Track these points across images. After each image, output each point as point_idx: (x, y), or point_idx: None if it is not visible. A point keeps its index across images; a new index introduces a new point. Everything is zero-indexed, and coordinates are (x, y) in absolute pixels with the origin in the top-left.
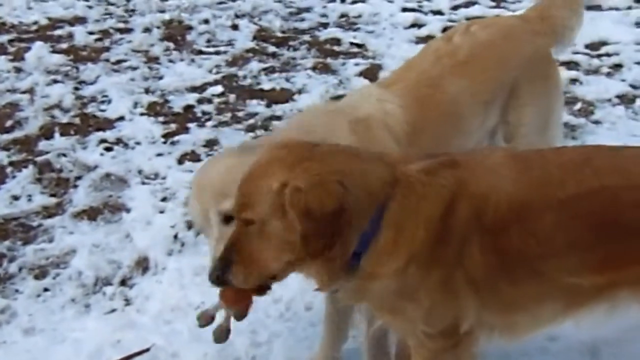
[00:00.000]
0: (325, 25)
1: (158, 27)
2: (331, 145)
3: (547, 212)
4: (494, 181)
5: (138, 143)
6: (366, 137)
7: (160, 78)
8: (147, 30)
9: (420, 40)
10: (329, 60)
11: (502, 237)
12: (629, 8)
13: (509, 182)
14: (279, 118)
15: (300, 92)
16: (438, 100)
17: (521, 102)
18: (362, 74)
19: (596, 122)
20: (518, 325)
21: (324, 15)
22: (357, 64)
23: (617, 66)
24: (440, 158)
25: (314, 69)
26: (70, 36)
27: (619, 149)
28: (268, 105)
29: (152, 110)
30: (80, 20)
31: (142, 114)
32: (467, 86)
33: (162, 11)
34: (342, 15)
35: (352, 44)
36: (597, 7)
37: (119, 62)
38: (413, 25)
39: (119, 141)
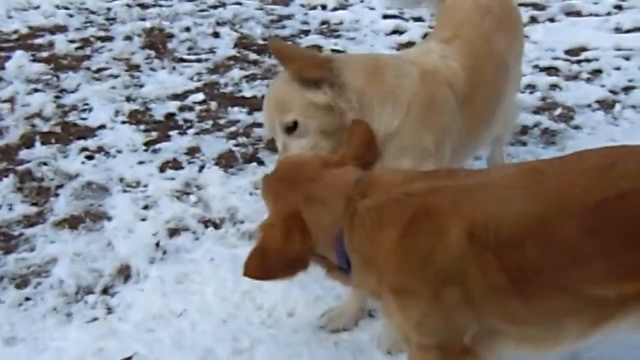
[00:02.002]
0: (306, 33)
1: (139, 35)
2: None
3: (570, 221)
4: (494, 200)
5: (119, 151)
6: (432, 89)
7: (142, 86)
8: (128, 38)
9: (401, 46)
10: None
11: (511, 255)
12: (608, 14)
13: (517, 198)
14: (260, 125)
15: None
16: (493, 54)
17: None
18: None
19: (576, 127)
20: (538, 339)
21: (305, 23)
22: None
23: (597, 72)
24: (419, 184)
25: None
26: (51, 45)
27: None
28: (249, 113)
29: (134, 118)
30: (61, 29)
31: (123, 122)
32: (506, 40)
33: (143, 19)
34: (323, 23)
35: (333, 50)
36: (577, 14)
37: (100, 70)
38: (394, 32)
39: (100, 149)
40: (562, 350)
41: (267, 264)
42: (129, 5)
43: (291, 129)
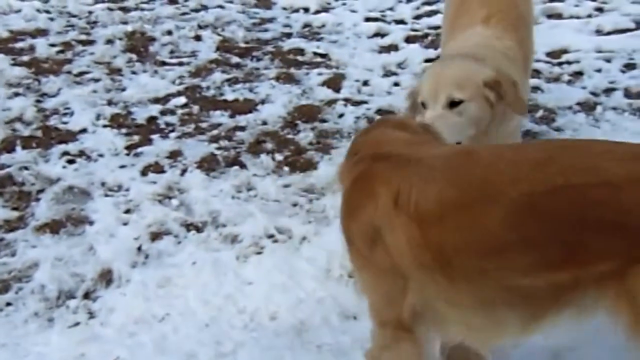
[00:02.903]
0: (288, 36)
1: (120, 39)
2: None
3: (490, 209)
4: (421, 176)
5: (101, 155)
6: (512, 67)
7: (123, 90)
8: (109, 42)
9: (383, 49)
10: (292, 70)
11: (431, 230)
12: (589, 16)
13: (442, 177)
14: (242, 129)
15: (263, 102)
16: (522, 17)
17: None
18: (325, 83)
19: (558, 129)
20: (478, 328)
21: (287, 26)
22: (320, 74)
23: (578, 74)
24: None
25: (277, 79)
26: (32, 49)
27: (586, 145)
28: (232, 116)
29: (115, 122)
30: (42, 33)
31: (104, 126)
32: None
33: (125, 23)
34: (306, 26)
35: (315, 53)
36: (558, 16)
37: (81, 74)
38: (376, 35)
39: (81, 153)
40: (509, 343)
41: None
42: (110, 9)
43: (454, 104)
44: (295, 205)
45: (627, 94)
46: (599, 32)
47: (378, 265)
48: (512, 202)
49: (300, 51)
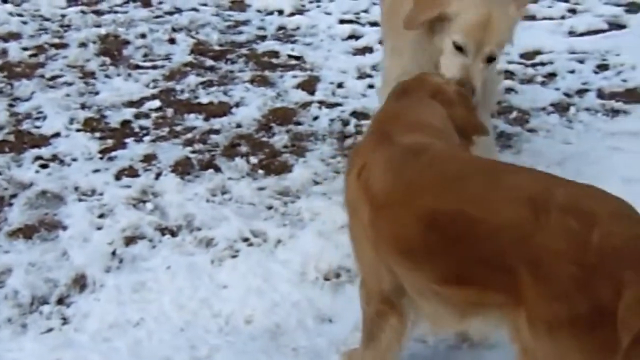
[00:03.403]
0: (263, 38)
1: (94, 42)
2: None
3: (407, 213)
4: (383, 162)
5: (74, 159)
6: None
7: (97, 93)
8: (82, 45)
9: (358, 51)
10: (266, 72)
11: (376, 213)
12: (563, 18)
13: (393, 170)
14: (217, 132)
15: (238, 105)
16: None
17: None
18: (299, 86)
19: (531, 131)
20: (425, 313)
21: (261, 28)
22: (295, 76)
23: (551, 75)
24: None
25: (251, 81)
26: (4, 52)
27: (503, 177)
28: (206, 119)
29: (89, 126)
30: (15, 36)
31: (78, 130)
32: None
33: (98, 26)
34: (280, 28)
35: (290, 56)
36: (532, 17)
37: (54, 77)
38: (350, 37)
39: (54, 158)
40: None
41: None
42: (83, 12)
43: (490, 60)
44: (270, 208)
45: (600, 94)
46: (572, 33)
47: (360, 236)
48: (422, 212)
49: (275, 54)
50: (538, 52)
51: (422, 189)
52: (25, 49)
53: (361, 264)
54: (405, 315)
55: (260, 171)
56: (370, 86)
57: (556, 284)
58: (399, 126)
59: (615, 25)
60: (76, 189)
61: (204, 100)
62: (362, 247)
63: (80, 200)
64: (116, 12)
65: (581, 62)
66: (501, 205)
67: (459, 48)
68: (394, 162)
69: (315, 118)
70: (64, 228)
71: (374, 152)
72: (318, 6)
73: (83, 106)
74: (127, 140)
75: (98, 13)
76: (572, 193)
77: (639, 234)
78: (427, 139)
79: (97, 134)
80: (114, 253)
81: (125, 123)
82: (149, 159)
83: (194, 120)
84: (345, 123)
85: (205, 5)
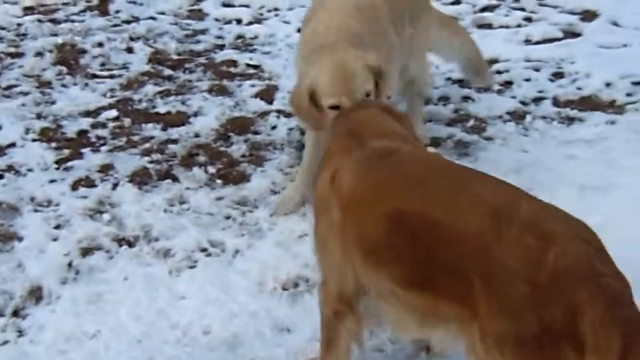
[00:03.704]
0: (221, 47)
1: (50, 51)
2: None
3: (373, 213)
4: (354, 165)
5: (30, 170)
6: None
7: (53, 103)
8: (39, 54)
9: None
10: (225, 82)
11: (345, 219)
12: (519, 26)
13: (361, 172)
14: (175, 142)
15: (196, 114)
16: None
17: None
18: (258, 95)
19: (488, 139)
20: (388, 319)
21: (219, 37)
22: (253, 85)
23: (508, 83)
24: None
25: (210, 91)
26: None
27: (470, 179)
28: (164, 129)
29: (45, 136)
30: None
31: (34, 140)
32: None
33: (55, 35)
34: (239, 37)
35: (248, 65)
36: (488, 26)
37: (9, 87)
38: None
39: (10, 168)
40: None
41: None
42: (40, 21)
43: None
44: (228, 218)
45: (556, 102)
46: (528, 41)
47: (328, 236)
48: (387, 213)
49: (233, 63)
50: (495, 61)
51: (388, 190)
52: None
53: (325, 265)
54: (362, 318)
55: (219, 181)
56: None
57: (508, 301)
58: (369, 131)
59: (570, 34)
60: (32, 199)
61: (162, 109)
62: (329, 247)
63: (36, 211)
64: (73, 21)
65: (537, 70)
66: (465, 211)
67: (336, 107)
68: (364, 165)
69: (274, 127)
70: (20, 239)
71: (346, 155)
72: (276, 15)
73: (39, 116)
74: (84, 150)
75: (55, 22)
76: (535, 211)
77: (594, 255)
78: (396, 143)
79: (54, 144)
80: (70, 264)
81: (82, 133)
82: (105, 169)
83: (152, 130)
84: (303, 132)
85: (163, 14)
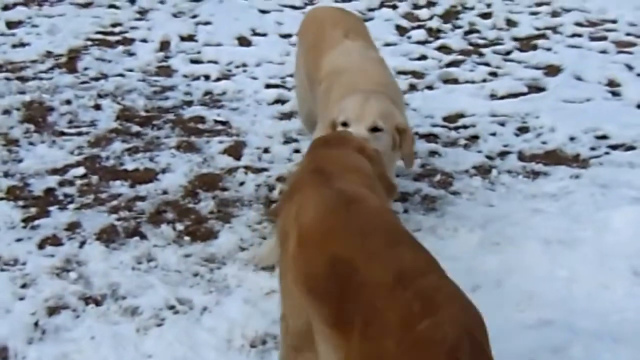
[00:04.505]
0: (189, 104)
1: (18, 109)
2: None
3: (319, 254)
4: (314, 204)
5: None
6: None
7: (20, 161)
8: (6, 112)
9: (284, 116)
10: (193, 138)
11: (298, 255)
12: (484, 81)
13: (317, 212)
14: (142, 199)
15: (164, 171)
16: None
17: None
18: (226, 151)
19: (455, 193)
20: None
21: (188, 94)
22: (221, 142)
23: (474, 138)
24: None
25: (178, 147)
26: None
27: (402, 241)
28: (132, 186)
29: (12, 194)
30: None
31: (1, 199)
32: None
33: (22, 92)
34: (207, 93)
35: (216, 121)
36: (454, 81)
37: None
38: (277, 102)
39: None
40: None
41: None
42: (8, 79)
43: (375, 130)
44: (196, 275)
45: (521, 157)
46: (493, 96)
47: (285, 270)
48: (327, 256)
49: (201, 119)
50: (461, 115)
51: (337, 236)
52: None
53: (283, 298)
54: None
55: (186, 238)
56: (297, 151)
57: (373, 349)
58: (337, 168)
59: (535, 88)
60: None
61: (130, 166)
62: (286, 281)
63: (2, 270)
64: (41, 78)
65: (502, 124)
66: (380, 266)
67: (345, 124)
68: (327, 206)
69: (242, 183)
70: None
71: (313, 191)
72: (244, 71)
73: (6, 174)
74: (51, 208)
75: (22, 79)
76: (435, 285)
77: (464, 344)
78: (364, 190)
79: (20, 202)
80: (36, 324)
81: (49, 191)
82: (73, 227)
83: (120, 187)
84: (271, 188)
85: (131, 70)
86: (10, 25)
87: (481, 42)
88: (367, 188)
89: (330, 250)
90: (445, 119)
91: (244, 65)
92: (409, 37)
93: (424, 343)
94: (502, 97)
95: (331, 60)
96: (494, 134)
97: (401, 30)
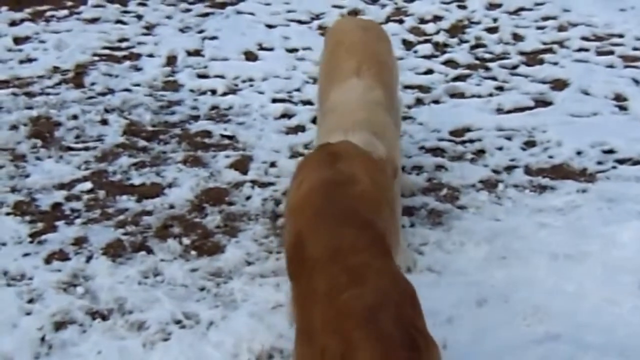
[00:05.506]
0: (196, 118)
1: (25, 125)
2: None
3: (289, 226)
4: (312, 181)
5: (3, 244)
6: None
7: (27, 176)
8: (13, 127)
9: (290, 130)
10: (199, 153)
11: (285, 222)
12: (490, 95)
13: (312, 190)
14: (149, 213)
15: (170, 186)
16: (388, 69)
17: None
18: (232, 165)
19: (461, 208)
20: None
21: (194, 108)
22: (227, 156)
23: (480, 152)
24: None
25: (184, 162)
26: None
27: (348, 225)
28: (138, 201)
29: (19, 209)
30: None
31: (7, 214)
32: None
33: (30, 108)
34: (213, 108)
35: (222, 136)
36: (461, 95)
37: None
38: (283, 116)
39: None
40: None
41: None
42: (15, 94)
43: None
44: (202, 289)
45: (528, 171)
46: (499, 110)
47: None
48: (293, 230)
49: (208, 134)
50: (467, 129)
51: (305, 213)
52: None
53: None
54: None
55: (193, 252)
56: None
57: (306, 315)
58: (348, 153)
59: (542, 103)
60: (5, 273)
61: (137, 181)
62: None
63: (9, 285)
64: (48, 93)
65: (509, 139)
66: (320, 242)
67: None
68: (317, 184)
69: (248, 198)
70: None
71: (315, 171)
72: (251, 85)
73: (13, 189)
74: (58, 223)
75: (30, 95)
76: (365, 262)
77: (384, 303)
78: (362, 174)
79: (27, 218)
80: (43, 339)
81: (56, 206)
82: (79, 242)
83: (126, 201)
84: (278, 202)
85: (138, 85)
86: (18, 41)
87: (488, 56)
88: (369, 173)
89: (298, 225)
90: (451, 133)
91: (251, 79)
92: (415, 52)
93: (345, 309)
94: (509, 112)
95: (335, 96)
96: (500, 148)
97: (407, 45)
